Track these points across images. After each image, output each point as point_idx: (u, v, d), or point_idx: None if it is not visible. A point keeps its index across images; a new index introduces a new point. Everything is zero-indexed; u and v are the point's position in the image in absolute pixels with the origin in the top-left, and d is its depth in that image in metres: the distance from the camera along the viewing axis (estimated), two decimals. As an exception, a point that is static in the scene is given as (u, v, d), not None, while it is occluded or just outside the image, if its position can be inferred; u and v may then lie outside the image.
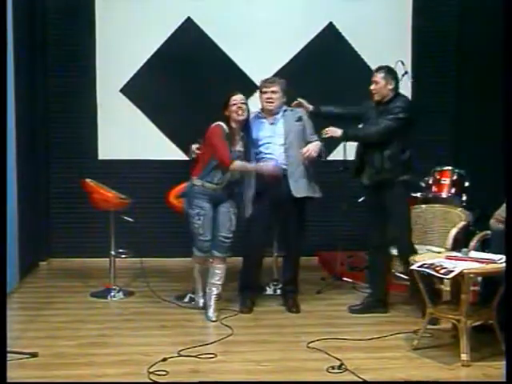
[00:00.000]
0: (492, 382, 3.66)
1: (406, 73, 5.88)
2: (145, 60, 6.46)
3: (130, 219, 5.46)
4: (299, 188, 4.84)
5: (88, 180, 5.40)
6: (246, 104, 4.67)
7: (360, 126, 4.90)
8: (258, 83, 6.25)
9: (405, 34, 6.58)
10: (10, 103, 5.29)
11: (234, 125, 4.67)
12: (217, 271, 4.79)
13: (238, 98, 4.65)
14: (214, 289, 4.79)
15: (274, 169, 4.66)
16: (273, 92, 4.85)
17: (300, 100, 5.00)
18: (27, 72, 5.92)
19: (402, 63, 5.83)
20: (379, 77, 4.69)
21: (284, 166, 4.81)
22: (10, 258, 5.09)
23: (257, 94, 5.30)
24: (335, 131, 4.73)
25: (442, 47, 6.65)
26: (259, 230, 4.89)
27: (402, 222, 4.74)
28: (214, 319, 4.71)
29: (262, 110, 4.97)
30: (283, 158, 4.84)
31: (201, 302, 4.94)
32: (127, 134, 6.40)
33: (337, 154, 5.70)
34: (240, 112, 4.62)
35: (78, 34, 6.39)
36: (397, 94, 4.74)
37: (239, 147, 4.71)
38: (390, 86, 4.70)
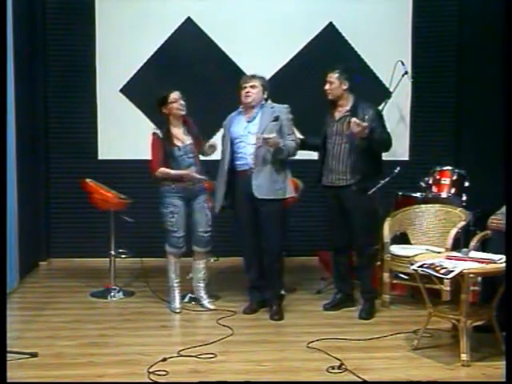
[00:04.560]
0: (492, 382, 3.66)
1: (406, 73, 5.89)
2: (145, 60, 6.46)
3: (129, 219, 5.46)
4: (260, 189, 4.68)
5: (88, 180, 5.40)
6: (183, 100, 4.81)
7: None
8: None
9: (405, 34, 6.58)
10: (10, 103, 5.29)
11: (175, 121, 4.83)
12: (200, 266, 5.01)
13: (176, 95, 4.80)
14: (201, 282, 5.02)
15: (195, 177, 4.77)
16: (251, 87, 4.80)
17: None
18: (27, 72, 5.92)
19: (402, 63, 5.84)
20: (334, 77, 4.74)
21: (251, 166, 4.72)
22: (10, 258, 5.10)
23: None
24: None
25: (442, 47, 6.64)
26: (245, 230, 4.85)
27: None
28: (211, 307, 4.89)
29: (242, 105, 4.87)
30: (253, 157, 4.73)
31: (177, 305, 4.91)
32: (127, 134, 6.38)
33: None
34: (181, 107, 4.79)
35: (78, 35, 6.39)
36: (355, 97, 4.80)
37: (188, 141, 4.83)
38: (344, 87, 4.75)
